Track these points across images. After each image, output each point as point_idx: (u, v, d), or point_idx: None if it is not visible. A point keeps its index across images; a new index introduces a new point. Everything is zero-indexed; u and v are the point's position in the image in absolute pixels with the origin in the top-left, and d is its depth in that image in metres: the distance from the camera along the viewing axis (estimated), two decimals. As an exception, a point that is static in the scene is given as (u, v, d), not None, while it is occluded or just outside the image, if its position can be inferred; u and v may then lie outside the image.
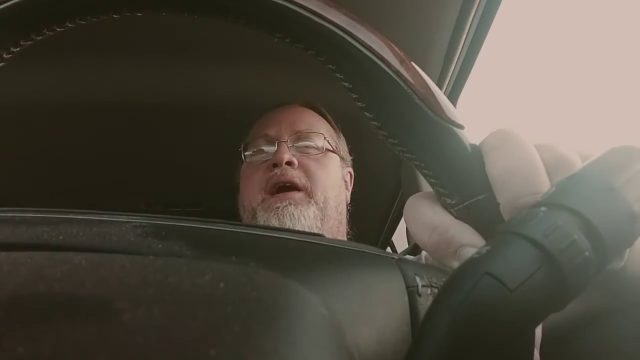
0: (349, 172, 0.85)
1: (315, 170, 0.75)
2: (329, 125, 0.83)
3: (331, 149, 0.79)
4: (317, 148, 0.77)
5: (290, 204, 0.70)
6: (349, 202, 0.83)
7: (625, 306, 0.21)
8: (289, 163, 0.73)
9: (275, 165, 0.72)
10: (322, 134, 0.78)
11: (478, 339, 0.14)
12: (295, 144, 0.76)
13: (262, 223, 0.70)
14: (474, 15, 0.73)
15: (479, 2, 0.71)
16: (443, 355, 0.14)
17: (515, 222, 0.17)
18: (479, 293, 0.15)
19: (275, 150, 0.74)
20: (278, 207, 0.70)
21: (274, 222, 0.69)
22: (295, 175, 0.72)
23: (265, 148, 0.77)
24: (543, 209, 0.17)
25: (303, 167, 0.74)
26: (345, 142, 0.86)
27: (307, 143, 0.77)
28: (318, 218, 0.72)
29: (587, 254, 0.16)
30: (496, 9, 0.74)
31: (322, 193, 0.74)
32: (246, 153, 0.78)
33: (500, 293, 0.15)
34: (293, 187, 0.72)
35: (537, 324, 0.16)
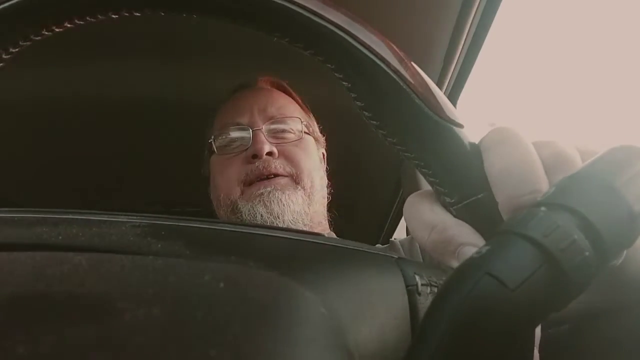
0: (323, 152, 0.81)
1: (298, 156, 0.70)
2: (299, 106, 0.79)
3: (307, 131, 0.75)
4: (294, 132, 0.72)
5: (275, 189, 0.66)
6: (327, 182, 0.78)
7: (625, 306, 0.21)
8: (270, 154, 0.68)
9: (254, 156, 0.68)
10: (299, 118, 0.74)
11: (478, 339, 0.14)
12: (271, 131, 0.71)
13: (245, 214, 0.66)
14: (474, 15, 0.73)
15: (479, 2, 0.71)
16: (443, 355, 0.14)
17: (515, 222, 0.17)
18: (479, 293, 0.15)
19: (252, 140, 0.69)
20: (262, 194, 0.65)
21: (260, 210, 0.65)
22: (278, 165, 0.68)
23: (239, 136, 0.71)
24: (543, 208, 0.17)
25: (284, 155, 0.70)
26: (315, 122, 0.81)
27: (283, 127, 0.72)
28: (306, 203, 0.68)
29: (587, 253, 0.16)
30: (496, 9, 0.74)
31: (309, 178, 0.70)
32: (217, 144, 0.72)
33: (500, 293, 0.15)
34: (276, 176, 0.68)
35: (538, 324, 0.16)
